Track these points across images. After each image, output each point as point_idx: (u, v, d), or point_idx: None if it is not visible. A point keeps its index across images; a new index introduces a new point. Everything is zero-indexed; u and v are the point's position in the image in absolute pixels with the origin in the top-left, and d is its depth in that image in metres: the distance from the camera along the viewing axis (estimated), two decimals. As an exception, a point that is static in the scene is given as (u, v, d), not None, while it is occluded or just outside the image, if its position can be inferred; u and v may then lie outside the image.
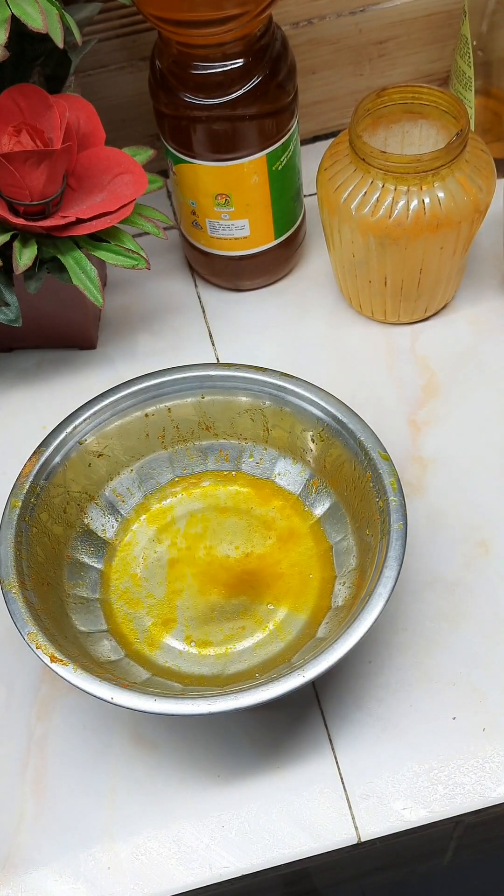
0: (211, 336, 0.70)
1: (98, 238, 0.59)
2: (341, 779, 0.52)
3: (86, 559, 0.57)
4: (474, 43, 0.67)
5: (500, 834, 0.73)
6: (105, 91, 0.72)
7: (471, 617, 0.56)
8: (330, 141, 0.65)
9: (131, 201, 0.59)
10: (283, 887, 0.68)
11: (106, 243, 0.59)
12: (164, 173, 0.70)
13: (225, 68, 0.58)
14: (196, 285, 0.73)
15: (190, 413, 0.59)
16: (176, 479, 0.60)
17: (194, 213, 0.66)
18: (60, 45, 0.54)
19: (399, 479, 0.52)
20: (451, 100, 0.60)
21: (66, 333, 0.68)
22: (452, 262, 0.63)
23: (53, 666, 0.47)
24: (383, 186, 0.59)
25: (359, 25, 0.73)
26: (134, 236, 0.63)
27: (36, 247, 0.57)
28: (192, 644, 0.54)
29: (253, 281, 0.71)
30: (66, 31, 0.54)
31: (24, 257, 0.57)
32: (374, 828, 0.50)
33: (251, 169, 0.62)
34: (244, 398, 0.58)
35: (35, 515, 0.54)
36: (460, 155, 0.58)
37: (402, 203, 0.58)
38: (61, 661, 0.48)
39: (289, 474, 0.59)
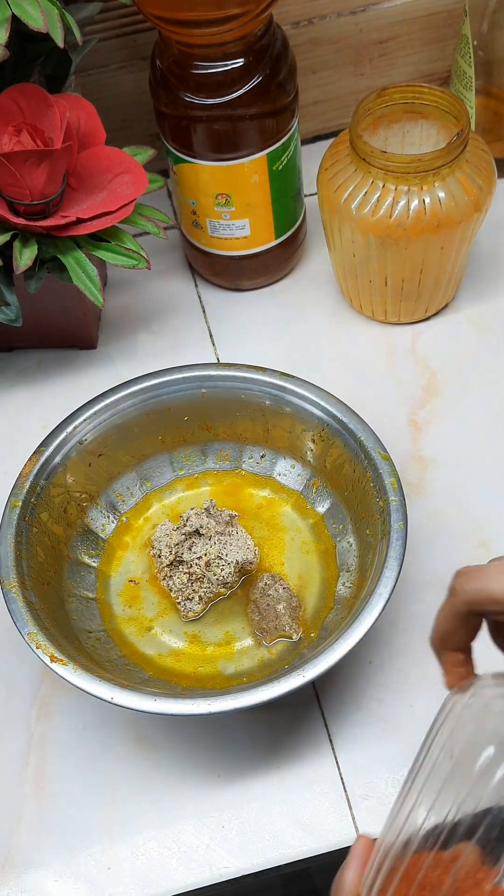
0: (211, 336, 0.70)
1: (98, 238, 0.59)
2: (341, 779, 0.52)
3: (86, 559, 0.57)
4: (475, 42, 0.67)
5: (500, 834, 0.72)
6: (105, 91, 0.72)
7: (471, 617, 0.56)
8: (330, 141, 0.65)
9: (132, 201, 0.59)
10: (283, 887, 0.68)
11: (106, 243, 0.59)
12: (165, 173, 0.70)
13: (225, 68, 0.57)
14: (196, 285, 0.73)
15: (190, 413, 0.59)
16: (176, 479, 0.60)
17: (195, 213, 0.66)
18: (61, 44, 0.54)
19: (399, 479, 0.52)
20: (452, 99, 0.60)
21: (67, 333, 0.68)
22: (453, 261, 0.63)
23: (53, 666, 0.47)
24: (384, 186, 0.59)
25: (359, 25, 0.73)
26: (134, 236, 0.63)
27: (36, 246, 0.57)
28: (193, 644, 0.54)
29: (253, 281, 0.71)
30: (67, 30, 0.54)
31: (25, 257, 0.57)
32: (374, 828, 0.50)
33: (251, 169, 0.62)
34: (244, 398, 0.58)
35: (35, 515, 0.54)
36: (461, 155, 0.58)
37: (402, 203, 0.58)
38: (61, 660, 0.48)
39: (289, 474, 0.59)
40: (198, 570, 0.54)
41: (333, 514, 0.57)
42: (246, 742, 0.53)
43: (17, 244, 0.57)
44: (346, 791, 0.51)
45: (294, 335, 0.69)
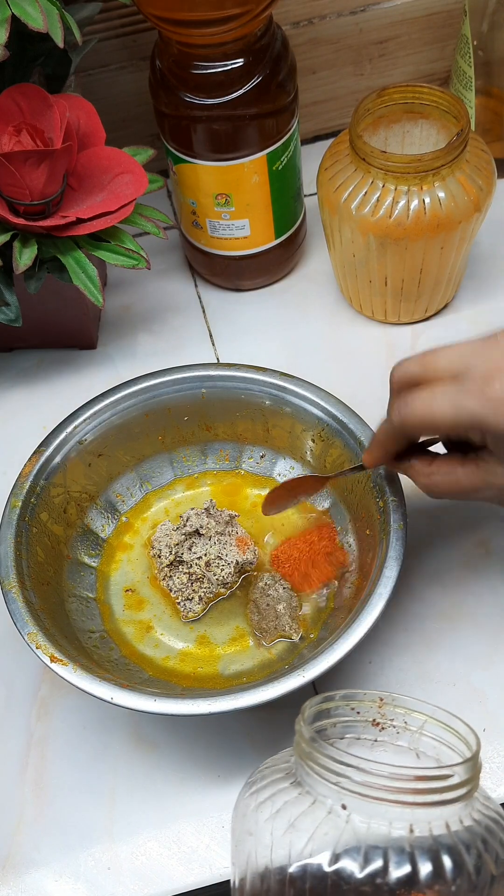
0: (211, 336, 0.70)
1: (98, 238, 0.59)
2: (341, 779, 0.52)
3: (86, 559, 0.57)
4: (475, 43, 0.67)
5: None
6: (105, 91, 0.72)
7: (471, 617, 0.56)
8: (330, 141, 0.65)
9: (131, 201, 0.59)
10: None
11: (106, 243, 0.59)
12: (165, 173, 0.70)
13: (225, 68, 0.57)
14: (196, 285, 0.73)
15: (190, 413, 0.59)
16: (176, 479, 0.60)
17: (194, 213, 0.66)
18: (61, 44, 0.54)
19: (399, 480, 0.52)
20: (452, 100, 0.60)
21: (66, 333, 0.68)
22: (453, 262, 0.63)
23: (53, 666, 0.47)
24: (384, 186, 0.59)
25: (359, 25, 0.73)
26: (134, 236, 0.63)
27: (36, 247, 0.57)
28: (193, 644, 0.54)
29: (253, 281, 0.71)
30: (67, 30, 0.54)
31: (25, 257, 0.57)
32: (374, 828, 0.50)
33: (251, 169, 0.62)
34: (244, 398, 0.58)
35: (35, 515, 0.54)
36: (461, 155, 0.58)
37: (402, 203, 0.58)
38: (61, 661, 0.48)
39: (289, 474, 0.59)
40: (198, 571, 0.54)
41: (333, 514, 0.57)
42: (246, 742, 0.53)
43: (17, 244, 0.57)
44: (346, 791, 0.51)
45: (294, 335, 0.69)
